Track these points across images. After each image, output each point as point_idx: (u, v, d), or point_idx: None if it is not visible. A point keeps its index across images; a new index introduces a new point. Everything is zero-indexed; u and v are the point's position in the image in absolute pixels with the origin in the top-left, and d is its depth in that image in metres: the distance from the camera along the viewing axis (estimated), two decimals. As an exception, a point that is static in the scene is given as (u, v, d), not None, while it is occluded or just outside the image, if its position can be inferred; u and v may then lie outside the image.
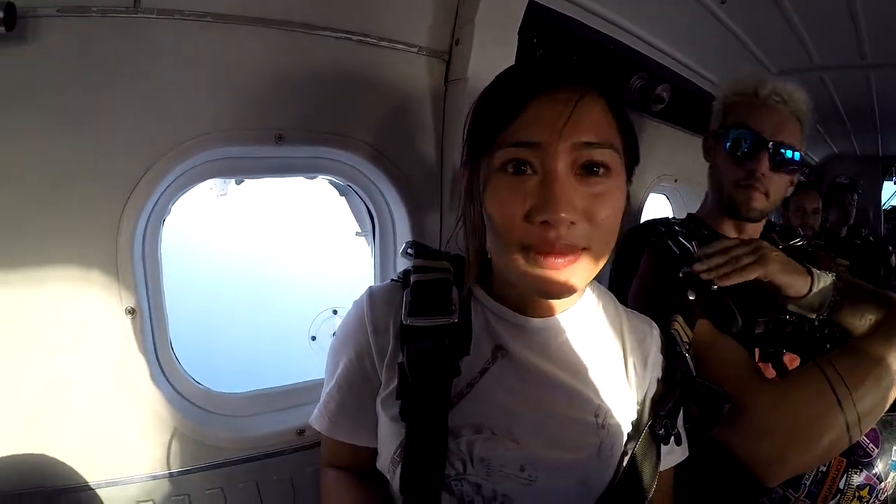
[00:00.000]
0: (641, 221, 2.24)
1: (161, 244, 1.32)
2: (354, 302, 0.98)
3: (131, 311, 1.19)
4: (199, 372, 1.42)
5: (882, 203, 7.33)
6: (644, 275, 1.40)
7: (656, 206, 2.88)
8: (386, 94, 1.42)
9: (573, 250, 0.79)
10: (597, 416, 0.92)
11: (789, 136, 1.38)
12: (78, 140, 1.10)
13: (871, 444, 1.17)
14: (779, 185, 1.41)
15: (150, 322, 1.27)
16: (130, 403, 1.21)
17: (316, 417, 0.99)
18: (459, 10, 1.44)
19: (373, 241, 1.62)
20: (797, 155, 1.39)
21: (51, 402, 1.14)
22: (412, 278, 0.94)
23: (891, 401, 1.10)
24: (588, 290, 0.99)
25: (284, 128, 1.29)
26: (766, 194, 1.40)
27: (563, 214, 0.75)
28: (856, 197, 4.52)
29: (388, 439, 0.90)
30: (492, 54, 1.44)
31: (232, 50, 1.21)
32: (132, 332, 1.20)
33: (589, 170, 0.79)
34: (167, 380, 1.33)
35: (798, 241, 1.54)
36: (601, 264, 0.84)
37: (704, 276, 1.15)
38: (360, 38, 1.34)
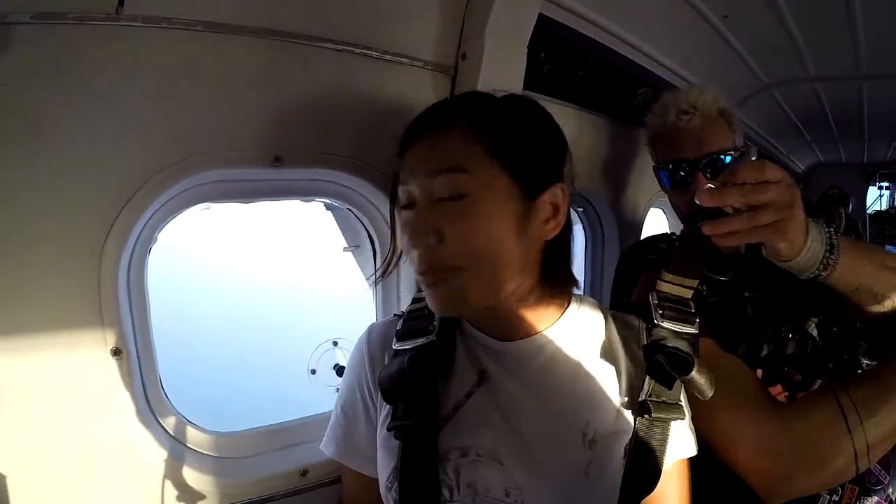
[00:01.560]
0: (641, 237, 2.26)
1: (147, 275, 1.21)
2: (358, 339, 1.09)
3: (117, 353, 1.08)
4: (192, 410, 1.33)
5: (867, 207, 7.58)
6: (644, 288, 1.36)
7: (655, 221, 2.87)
8: (389, 112, 1.34)
9: (441, 269, 0.87)
10: (585, 434, 0.92)
11: (713, 143, 1.43)
12: (54, 162, 0.98)
13: (882, 471, 1.16)
14: None
15: (137, 361, 1.17)
16: (119, 450, 1.11)
17: (325, 443, 1.09)
18: (467, 23, 1.37)
19: (372, 262, 1.54)
20: (728, 153, 1.43)
21: (33, 453, 1.03)
22: (407, 309, 1.06)
23: None
24: (573, 307, 1.01)
25: (282, 148, 1.20)
26: None
27: (413, 236, 0.87)
28: (843, 210, 4.62)
29: (382, 464, 0.98)
30: (500, 69, 1.38)
31: (225, 62, 1.11)
32: (119, 374, 1.09)
33: (450, 196, 0.86)
34: (158, 422, 1.22)
35: None
36: (489, 281, 0.88)
37: (708, 232, 0.94)
38: (363, 51, 1.26)
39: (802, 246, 0.97)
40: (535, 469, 0.90)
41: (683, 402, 0.96)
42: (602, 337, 1.00)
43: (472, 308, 0.91)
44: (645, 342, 0.98)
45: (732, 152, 1.44)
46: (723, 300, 1.31)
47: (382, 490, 0.98)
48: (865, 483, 1.15)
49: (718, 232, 0.92)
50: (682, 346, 0.94)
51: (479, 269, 0.87)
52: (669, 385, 0.93)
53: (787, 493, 1.06)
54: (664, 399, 0.92)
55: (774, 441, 1.04)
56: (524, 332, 0.97)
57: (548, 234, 0.92)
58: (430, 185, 0.87)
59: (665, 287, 1.02)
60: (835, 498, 1.14)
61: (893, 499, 1.16)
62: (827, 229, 1.03)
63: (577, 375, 0.96)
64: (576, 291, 1.05)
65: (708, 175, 1.42)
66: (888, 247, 7.35)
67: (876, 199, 8.16)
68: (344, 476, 1.11)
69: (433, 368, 0.95)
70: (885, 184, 7.96)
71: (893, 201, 8.17)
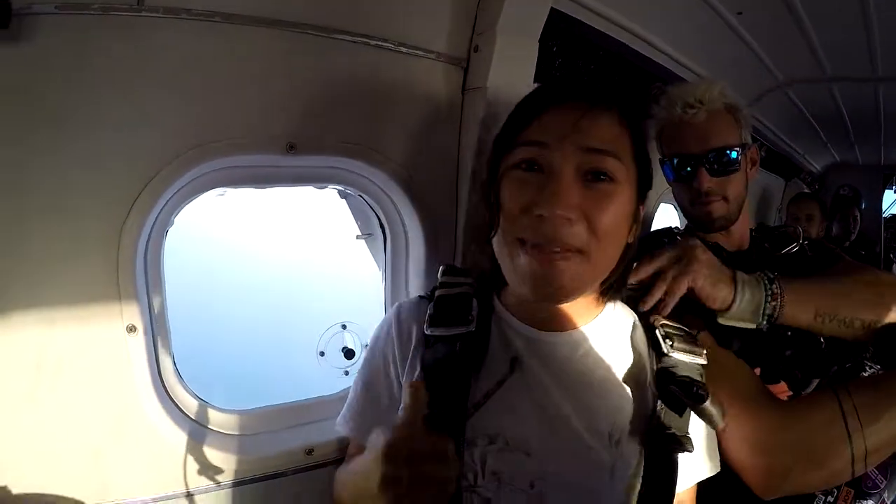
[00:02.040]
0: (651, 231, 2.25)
1: (164, 256, 1.25)
2: (385, 316, 1.09)
3: (132, 329, 1.12)
4: (204, 388, 1.35)
5: (883, 211, 7.44)
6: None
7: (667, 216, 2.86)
8: (401, 102, 1.37)
9: (567, 249, 0.84)
10: (611, 435, 0.92)
11: (718, 137, 1.43)
12: (76, 147, 1.03)
13: (879, 476, 1.17)
14: (734, 185, 1.45)
15: (152, 339, 1.21)
16: (133, 423, 1.15)
17: (342, 422, 1.08)
18: (479, 16, 1.39)
19: (383, 251, 1.57)
20: (733, 148, 1.43)
21: (52, 422, 1.07)
22: (436, 293, 1.03)
23: None
24: (609, 307, 1.03)
25: (296, 136, 1.23)
26: (725, 199, 1.45)
27: (558, 211, 0.83)
28: (858, 211, 4.57)
29: None
30: (511, 63, 1.39)
31: (242, 52, 1.15)
32: (134, 350, 1.13)
33: (595, 176, 0.86)
34: (171, 398, 1.26)
35: (794, 247, 1.53)
36: (599, 274, 0.92)
37: (646, 310, 1.08)
38: (378, 42, 1.29)
39: (733, 299, 1.09)
40: (563, 463, 0.90)
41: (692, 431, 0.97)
42: (630, 341, 1.03)
43: (575, 295, 0.90)
44: (655, 368, 0.99)
45: (738, 148, 1.44)
46: None
47: None
48: (861, 486, 1.17)
49: (650, 304, 1.07)
50: (694, 375, 0.96)
51: (599, 255, 0.88)
52: (681, 413, 0.94)
53: (783, 489, 1.07)
54: (674, 431, 0.93)
55: (773, 437, 1.05)
56: (563, 324, 0.99)
57: (631, 237, 0.95)
58: (583, 160, 0.86)
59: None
60: (829, 499, 1.16)
61: (888, 503, 1.17)
62: (768, 278, 1.13)
63: (607, 375, 0.97)
64: None
65: (711, 170, 1.43)
66: None
67: (893, 202, 7.99)
68: (353, 448, 1.10)
69: (473, 359, 0.94)
70: None
71: (907, 204, 8.02)
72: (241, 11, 1.12)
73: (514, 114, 0.95)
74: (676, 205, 1.63)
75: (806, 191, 5.39)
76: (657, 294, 1.07)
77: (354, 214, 1.59)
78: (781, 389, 1.30)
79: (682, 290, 1.08)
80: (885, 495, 1.17)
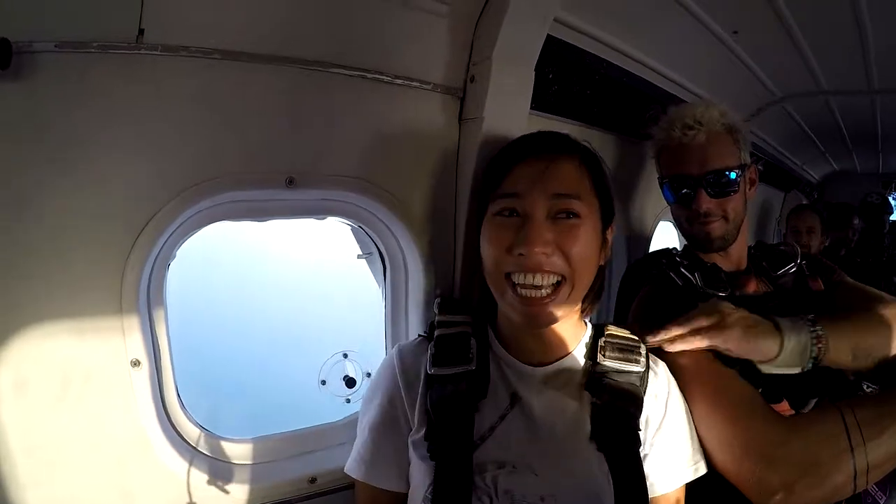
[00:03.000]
0: (649, 251, 2.26)
1: (166, 289, 1.26)
2: (384, 359, 1.18)
3: (136, 363, 1.13)
4: (207, 418, 1.37)
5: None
6: (642, 302, 1.44)
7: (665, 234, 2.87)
8: (399, 134, 1.38)
9: (549, 277, 0.99)
10: (595, 449, 1.03)
11: (717, 159, 1.45)
12: (78, 183, 1.03)
13: (878, 492, 1.18)
14: (733, 204, 1.48)
15: (156, 372, 1.22)
16: (138, 456, 1.16)
17: (352, 467, 1.12)
18: (475, 46, 1.39)
19: (382, 271, 1.57)
20: (732, 170, 1.46)
21: (56, 457, 1.08)
22: (435, 333, 1.12)
23: None
24: (587, 330, 1.16)
25: (296, 170, 1.24)
26: (725, 218, 1.47)
27: (535, 248, 0.97)
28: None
29: (419, 479, 1.03)
30: (508, 92, 1.41)
31: (241, 88, 1.16)
32: (138, 384, 1.14)
33: (564, 215, 1.01)
34: (175, 430, 1.27)
35: (791, 267, 1.55)
36: (579, 295, 1.05)
37: (656, 345, 1.16)
38: (375, 76, 1.30)
39: (780, 348, 1.13)
40: (567, 476, 1.00)
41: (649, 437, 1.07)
42: (591, 360, 1.11)
43: (560, 319, 1.04)
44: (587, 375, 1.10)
45: (737, 170, 1.46)
46: None
47: (417, 503, 1.03)
48: (861, 502, 1.18)
49: (655, 342, 1.16)
50: (623, 380, 1.08)
51: (577, 279, 1.02)
52: (611, 415, 1.05)
53: (786, 502, 1.07)
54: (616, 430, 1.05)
55: (776, 449, 1.07)
56: (552, 356, 1.10)
57: (602, 260, 1.10)
58: (551, 204, 1.01)
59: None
60: None
61: None
62: (810, 320, 1.16)
63: (578, 396, 1.08)
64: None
65: (710, 192, 1.45)
66: None
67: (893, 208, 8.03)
68: (363, 492, 1.13)
69: (476, 395, 1.05)
70: None
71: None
72: (239, 48, 1.13)
73: (489, 170, 1.12)
74: (675, 224, 1.65)
75: (805, 202, 5.39)
76: (667, 337, 1.16)
77: (356, 235, 1.60)
78: (784, 409, 1.28)
79: (700, 345, 1.14)
80: None
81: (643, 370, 1.09)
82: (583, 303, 1.10)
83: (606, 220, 1.10)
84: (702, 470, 1.10)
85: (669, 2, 1.71)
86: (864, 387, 1.35)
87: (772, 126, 3.39)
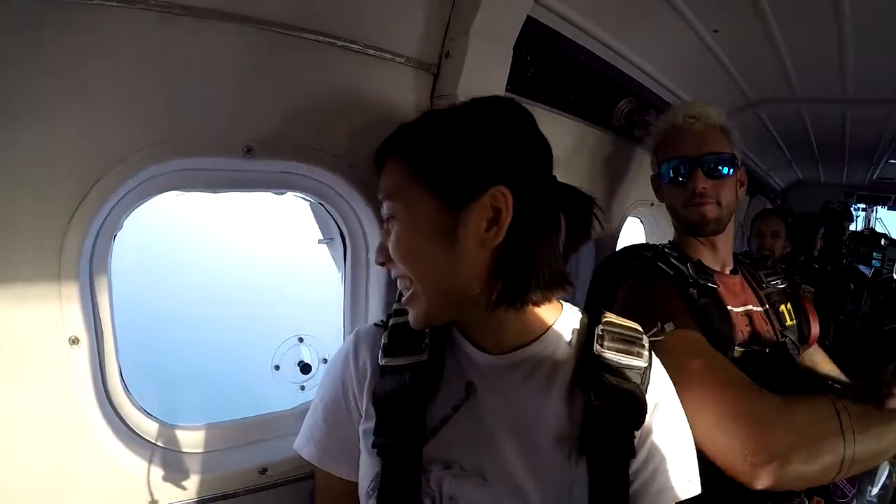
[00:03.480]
0: (617, 246, 2.27)
1: (111, 263, 1.17)
2: (343, 343, 1.11)
3: (75, 341, 1.04)
4: (153, 403, 1.28)
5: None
6: (634, 291, 1.46)
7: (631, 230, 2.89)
8: (367, 107, 1.31)
9: (406, 282, 0.95)
10: (570, 452, 0.92)
11: (714, 145, 1.56)
12: (14, 144, 0.93)
13: (847, 485, 1.20)
14: (726, 190, 1.57)
15: (97, 351, 1.13)
16: (75, 442, 1.07)
17: (302, 444, 1.08)
18: (452, 21, 1.34)
19: (343, 261, 1.52)
20: (727, 156, 1.57)
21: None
22: (390, 321, 1.05)
23: (873, 464, 1.17)
24: (562, 317, 1.02)
25: (254, 139, 1.17)
26: (718, 203, 1.55)
27: (375, 259, 0.97)
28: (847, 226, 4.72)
29: (365, 471, 0.98)
30: (484, 70, 1.36)
31: (201, 48, 1.07)
32: (77, 363, 1.05)
33: (388, 219, 0.95)
34: (116, 414, 1.19)
35: (780, 281, 1.73)
36: (437, 288, 0.93)
37: None
38: (345, 43, 1.23)
39: None
40: (518, 488, 0.90)
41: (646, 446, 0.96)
42: (572, 347, 1.00)
43: (435, 316, 0.95)
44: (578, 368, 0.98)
45: (731, 158, 1.57)
46: (712, 304, 1.40)
47: (362, 496, 0.98)
48: (831, 496, 1.20)
49: None
50: (623, 373, 0.97)
51: (422, 276, 0.92)
52: (609, 413, 0.93)
53: (779, 473, 1.08)
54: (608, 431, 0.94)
55: (775, 416, 1.12)
56: (511, 343, 0.98)
57: (492, 239, 0.89)
58: (381, 211, 0.97)
59: None
60: None
61: None
62: None
63: (558, 390, 0.96)
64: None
65: (706, 172, 1.54)
66: (861, 266, 7.53)
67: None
68: (319, 478, 1.11)
69: (426, 388, 0.96)
70: (861, 205, 8.15)
71: (868, 222, 8.37)
72: (201, 4, 1.04)
73: None
74: (669, 210, 1.69)
75: (769, 207, 5.51)
76: None
77: (317, 218, 1.54)
78: None
79: None
80: (854, 503, 1.20)
81: (646, 365, 0.97)
82: (491, 291, 0.92)
83: (457, 197, 0.89)
84: (694, 490, 0.98)
85: (653, -6, 1.68)
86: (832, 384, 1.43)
87: (742, 129, 3.38)
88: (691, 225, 1.59)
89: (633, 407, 0.93)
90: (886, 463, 1.22)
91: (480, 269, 0.91)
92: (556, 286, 0.96)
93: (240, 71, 1.13)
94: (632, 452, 0.93)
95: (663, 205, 1.71)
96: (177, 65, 1.06)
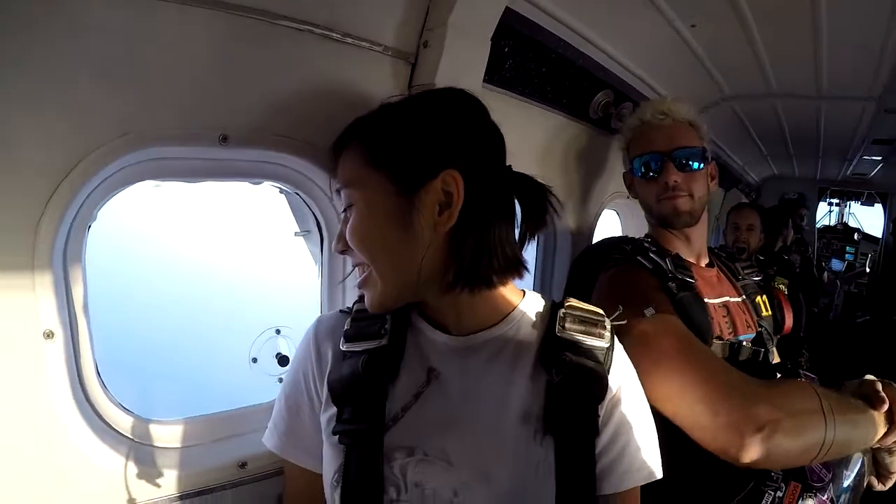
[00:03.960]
0: (594, 238, 2.29)
1: (86, 254, 1.15)
2: (306, 331, 1.09)
3: (50, 335, 1.02)
4: (130, 397, 1.25)
5: (816, 222, 7.97)
6: (613, 282, 1.50)
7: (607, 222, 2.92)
8: (344, 96, 1.30)
9: (361, 266, 0.98)
10: (537, 431, 0.92)
11: (684, 140, 1.61)
12: None
13: (823, 470, 1.21)
14: (698, 183, 1.61)
15: (72, 345, 1.10)
16: (50, 439, 1.04)
17: (267, 436, 1.08)
18: (431, 11, 1.34)
19: (320, 252, 1.51)
20: (697, 150, 1.61)
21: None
22: (354, 307, 1.06)
23: (848, 452, 1.21)
24: (525, 300, 1.04)
25: (230, 127, 1.15)
26: (690, 195, 1.59)
27: (333, 246, 1.03)
28: (806, 214, 4.88)
29: (328, 461, 0.98)
30: (462, 61, 1.36)
31: (176, 33, 1.04)
32: (51, 357, 1.03)
33: (346, 208, 0.97)
34: (93, 409, 1.16)
35: (755, 273, 1.78)
36: (395, 272, 0.94)
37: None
38: (322, 31, 1.21)
39: None
40: (485, 470, 0.90)
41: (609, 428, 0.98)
42: (536, 329, 1.02)
43: (392, 298, 0.96)
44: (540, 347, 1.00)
45: (701, 151, 1.62)
46: (691, 297, 1.42)
47: (327, 487, 0.98)
48: (808, 480, 1.20)
49: None
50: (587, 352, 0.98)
51: (378, 262, 0.94)
52: (571, 391, 0.95)
53: (766, 445, 1.09)
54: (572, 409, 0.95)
55: (760, 389, 1.15)
56: (472, 325, 0.99)
57: (444, 223, 0.92)
58: (340, 202, 0.99)
59: None
60: (779, 494, 1.18)
61: (834, 498, 1.20)
62: None
63: (522, 371, 0.97)
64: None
65: (677, 165, 1.58)
66: (833, 260, 7.75)
67: (825, 214, 8.57)
68: (287, 470, 1.10)
69: (385, 374, 0.96)
70: (835, 200, 8.37)
71: (842, 217, 8.54)
72: None
73: None
74: (642, 205, 1.74)
75: (745, 200, 5.59)
76: None
77: (293, 210, 1.53)
78: None
79: None
80: (830, 489, 1.20)
81: (608, 345, 1.00)
82: (446, 273, 0.95)
83: (411, 182, 0.92)
84: (657, 475, 1.00)
85: (631, -13, 1.69)
86: (803, 376, 1.43)
87: (718, 124, 3.44)
88: (665, 218, 1.63)
89: (594, 382, 0.95)
90: (860, 453, 1.24)
91: (434, 253, 0.93)
92: (512, 270, 0.99)
93: (217, 58, 1.11)
94: (595, 430, 0.95)
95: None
96: (152, 51, 1.04)
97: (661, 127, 1.62)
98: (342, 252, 0.98)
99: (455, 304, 0.98)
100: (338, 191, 0.99)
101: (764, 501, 1.17)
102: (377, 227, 0.93)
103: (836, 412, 1.11)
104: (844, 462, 1.23)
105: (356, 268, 1.00)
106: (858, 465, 1.24)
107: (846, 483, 1.22)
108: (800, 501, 1.18)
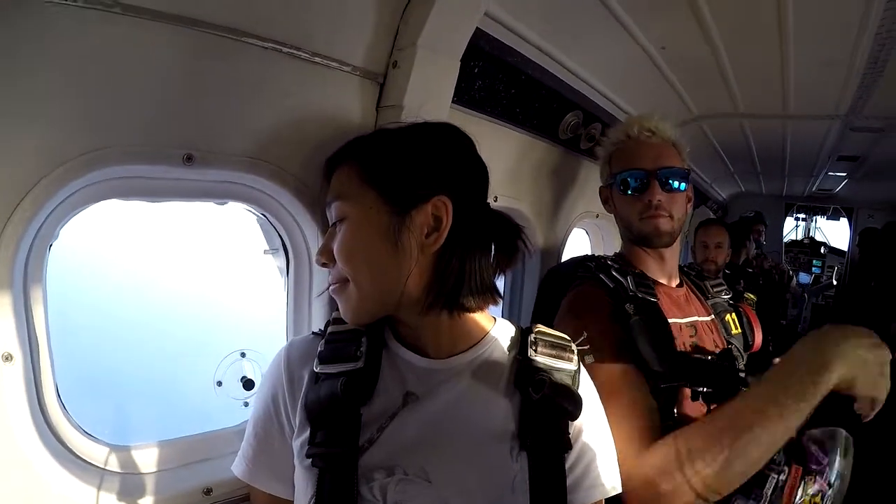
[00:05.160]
0: (563, 257, 2.31)
1: (46, 273, 1.12)
2: (276, 355, 1.08)
3: (8, 357, 0.99)
4: (92, 423, 1.22)
5: (783, 236, 8.17)
6: (576, 300, 1.52)
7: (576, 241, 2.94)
8: (312, 117, 1.30)
9: (338, 282, 1.00)
10: (512, 448, 0.96)
11: (669, 160, 1.60)
12: None
13: (820, 453, 1.22)
14: (678, 204, 1.61)
15: (31, 368, 1.07)
16: (8, 463, 1.01)
17: (236, 464, 1.06)
18: (401, 31, 1.34)
19: (286, 274, 1.49)
20: (682, 171, 1.62)
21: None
22: (328, 329, 1.06)
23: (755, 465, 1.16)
24: (497, 325, 1.09)
25: (195, 147, 1.13)
26: (671, 216, 1.59)
27: (316, 258, 1.04)
28: (763, 228, 5.00)
29: (301, 487, 0.97)
30: (431, 81, 1.36)
31: (141, 50, 1.02)
32: (9, 381, 1.00)
33: (336, 221, 1.00)
34: (53, 434, 1.13)
35: (725, 290, 1.81)
36: (371, 287, 0.98)
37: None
38: (290, 50, 1.20)
39: None
40: (464, 486, 0.92)
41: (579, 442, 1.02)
42: (509, 353, 1.06)
43: (368, 312, 1.00)
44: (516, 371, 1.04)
45: (684, 173, 1.62)
46: (648, 319, 1.40)
47: None
48: (808, 464, 1.21)
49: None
50: (555, 375, 1.02)
51: (360, 276, 0.97)
52: (544, 412, 0.98)
53: (662, 493, 1.16)
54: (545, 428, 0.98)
55: (658, 446, 1.21)
56: (449, 348, 1.02)
57: (431, 245, 0.97)
58: (328, 214, 1.02)
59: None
60: (782, 477, 1.18)
61: (831, 481, 1.21)
62: None
63: (495, 393, 1.01)
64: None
65: (662, 185, 1.57)
66: (801, 273, 7.93)
67: (792, 229, 8.79)
68: (254, 497, 1.08)
69: (360, 396, 0.96)
70: (801, 216, 8.59)
71: (808, 232, 8.75)
72: (144, 4, 0.99)
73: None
74: (621, 223, 1.72)
75: (713, 216, 5.70)
76: None
77: (263, 228, 1.51)
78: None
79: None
80: (827, 471, 1.21)
81: (576, 368, 1.05)
82: (427, 293, 0.99)
83: (404, 201, 0.97)
84: (617, 489, 1.06)
85: (602, 11, 1.71)
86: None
87: (687, 143, 3.49)
88: (645, 237, 1.61)
89: (569, 400, 0.99)
90: (846, 436, 1.25)
91: (419, 273, 0.98)
92: (488, 295, 1.04)
93: (182, 75, 1.09)
94: (567, 445, 0.99)
95: (608, 216, 1.75)
96: (117, 67, 1.02)
97: (648, 145, 1.62)
98: (324, 265, 1.01)
99: (435, 326, 1.01)
100: (328, 204, 1.01)
101: (768, 485, 1.18)
102: (366, 242, 0.97)
103: (771, 413, 1.11)
104: (836, 447, 1.23)
105: (331, 287, 1.02)
106: (844, 450, 1.25)
107: (839, 466, 1.23)
108: (801, 484, 1.19)
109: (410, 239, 0.96)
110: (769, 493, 1.18)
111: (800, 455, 1.21)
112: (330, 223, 1.01)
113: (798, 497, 1.18)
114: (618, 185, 1.64)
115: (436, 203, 0.96)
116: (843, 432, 1.25)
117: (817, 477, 1.20)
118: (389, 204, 0.96)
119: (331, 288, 1.02)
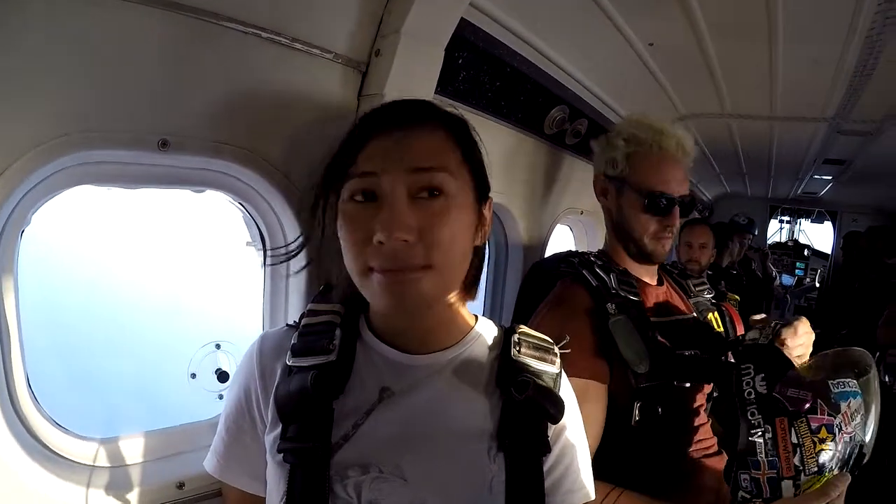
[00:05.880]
0: (546, 253, 2.31)
1: (18, 260, 1.09)
2: (248, 348, 1.03)
3: None
4: (64, 415, 1.20)
5: (767, 238, 8.25)
6: (557, 298, 1.52)
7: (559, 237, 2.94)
8: (291, 104, 1.28)
9: (413, 269, 0.84)
10: (490, 448, 0.93)
11: (686, 185, 1.62)
12: None
13: (802, 391, 1.15)
14: (678, 226, 1.63)
15: (1, 360, 1.05)
16: None
17: (208, 459, 1.03)
18: (384, 18, 1.32)
19: (263, 259, 1.47)
20: (693, 201, 1.66)
21: None
22: (302, 321, 1.01)
23: None
24: (478, 323, 1.05)
25: (170, 132, 1.10)
26: (672, 236, 1.62)
27: (395, 234, 0.82)
28: (751, 236, 5.02)
29: (273, 484, 0.93)
30: (414, 70, 1.35)
31: (119, 33, 1.00)
32: None
33: (429, 193, 0.86)
34: (23, 424, 1.10)
35: (707, 290, 1.83)
36: (452, 283, 0.93)
37: None
38: (271, 35, 1.18)
39: None
40: (441, 486, 0.90)
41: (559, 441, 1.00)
42: (491, 353, 1.03)
43: (431, 306, 0.92)
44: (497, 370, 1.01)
45: (694, 198, 1.67)
46: (630, 319, 1.41)
47: None
48: (791, 408, 1.15)
49: None
50: (538, 377, 0.99)
51: (446, 267, 0.88)
52: (525, 412, 0.96)
53: None
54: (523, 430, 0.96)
55: None
56: (432, 345, 0.99)
57: (479, 241, 0.97)
58: (412, 181, 0.86)
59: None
60: (769, 436, 1.14)
61: (832, 410, 1.13)
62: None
63: (475, 393, 0.97)
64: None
65: (682, 210, 1.60)
66: (784, 276, 8.01)
67: (776, 231, 8.87)
68: (226, 493, 1.05)
69: (333, 390, 0.92)
70: (786, 218, 8.67)
71: (792, 234, 8.82)
72: None
73: (340, 149, 0.94)
74: (628, 233, 1.65)
75: (697, 216, 5.72)
76: None
77: (245, 221, 1.48)
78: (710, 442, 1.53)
79: None
80: (820, 404, 1.14)
81: (558, 371, 1.02)
82: (460, 293, 0.99)
83: (482, 196, 0.96)
84: (591, 496, 1.03)
85: (590, 4, 1.70)
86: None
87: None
88: (650, 255, 1.61)
89: (552, 403, 0.96)
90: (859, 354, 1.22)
91: (468, 265, 0.96)
92: (473, 291, 1.04)
93: (160, 59, 1.07)
94: (546, 447, 0.96)
95: (593, 214, 1.75)
96: (93, 50, 0.99)
97: (680, 165, 1.61)
98: (405, 242, 0.84)
99: (430, 319, 0.98)
100: (416, 169, 0.86)
101: (758, 449, 1.15)
102: (464, 228, 0.91)
103: None
104: (838, 376, 1.18)
105: (399, 273, 0.86)
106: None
107: (847, 391, 1.16)
108: (793, 430, 1.13)
109: (477, 232, 0.96)
110: (764, 457, 1.14)
111: (778, 408, 1.16)
112: (392, 191, 0.85)
113: (795, 441, 1.12)
114: (639, 196, 1.57)
115: (490, 203, 0.99)
116: (853, 352, 1.23)
117: (808, 416, 1.13)
118: (476, 191, 0.94)
119: (391, 273, 0.85)
